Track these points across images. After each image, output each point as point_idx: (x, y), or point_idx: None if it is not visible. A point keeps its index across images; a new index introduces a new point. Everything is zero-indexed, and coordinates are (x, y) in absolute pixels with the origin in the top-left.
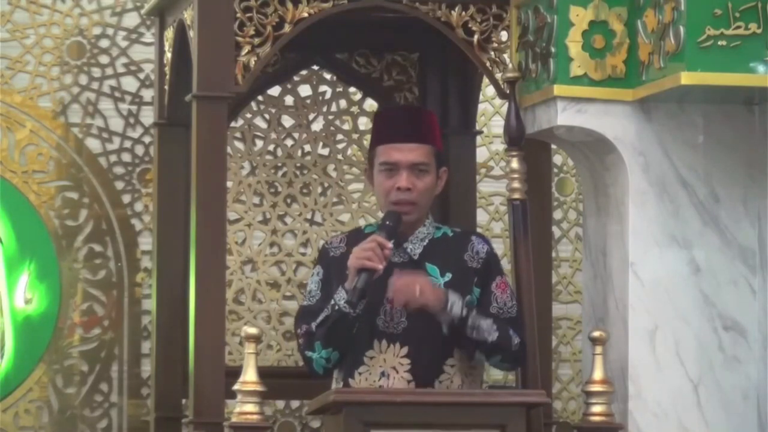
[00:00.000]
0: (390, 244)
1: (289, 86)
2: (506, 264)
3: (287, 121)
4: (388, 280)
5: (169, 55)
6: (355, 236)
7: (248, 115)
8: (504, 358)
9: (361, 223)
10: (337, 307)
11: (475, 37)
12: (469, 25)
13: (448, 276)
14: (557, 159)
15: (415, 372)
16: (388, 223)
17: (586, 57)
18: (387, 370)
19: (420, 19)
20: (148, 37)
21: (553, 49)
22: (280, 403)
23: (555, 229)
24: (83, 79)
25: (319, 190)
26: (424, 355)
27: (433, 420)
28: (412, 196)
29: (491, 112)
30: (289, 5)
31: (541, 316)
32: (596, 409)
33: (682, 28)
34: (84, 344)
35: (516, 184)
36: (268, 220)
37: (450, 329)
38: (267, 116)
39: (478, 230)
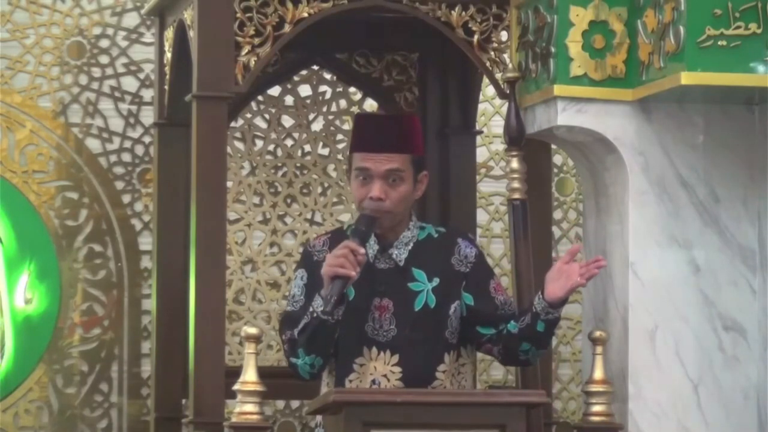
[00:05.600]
0: (363, 250)
1: (289, 86)
2: (506, 264)
3: (287, 121)
4: (375, 286)
5: (169, 55)
6: (338, 236)
7: (248, 115)
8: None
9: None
10: (315, 314)
11: (475, 37)
12: (469, 25)
13: (436, 281)
14: (557, 159)
15: (406, 380)
16: (362, 228)
17: (586, 57)
18: (378, 378)
19: (420, 19)
20: (148, 37)
21: (553, 49)
22: (280, 403)
23: (555, 229)
24: (83, 79)
25: (319, 190)
26: (415, 363)
27: (433, 420)
28: (386, 206)
29: (491, 112)
30: (289, 5)
31: None
32: (596, 409)
33: (682, 28)
34: (84, 344)
35: (516, 184)
36: (268, 220)
37: (549, 324)
38: (267, 116)
39: (478, 230)
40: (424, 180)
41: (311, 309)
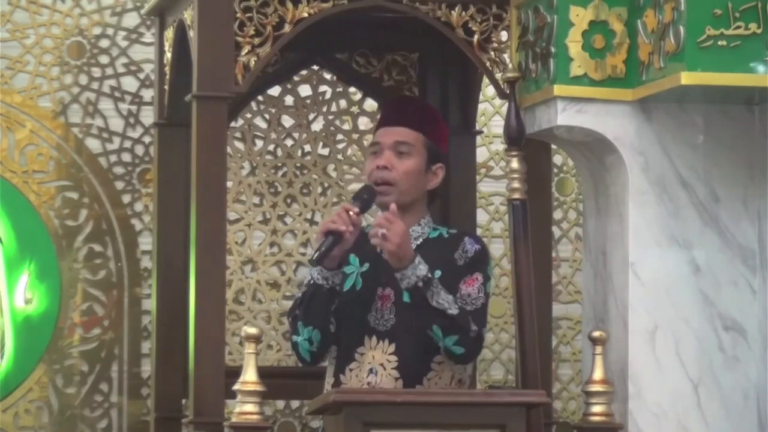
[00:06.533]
0: (356, 209)
1: (289, 86)
2: (506, 264)
3: (287, 121)
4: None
5: (169, 55)
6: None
7: (248, 115)
8: (461, 341)
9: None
10: (312, 281)
11: (475, 37)
12: (469, 25)
13: (438, 273)
14: (557, 159)
15: (402, 369)
16: (364, 195)
17: (586, 57)
18: (375, 366)
19: (420, 19)
20: (148, 37)
21: (553, 49)
22: (280, 403)
23: (555, 229)
24: (83, 79)
25: (319, 190)
26: (410, 353)
27: (433, 420)
28: (390, 176)
29: (491, 112)
30: (289, 5)
31: (541, 316)
32: (596, 409)
33: (682, 28)
34: (84, 344)
35: (516, 184)
36: (268, 220)
37: (412, 293)
38: (267, 116)
39: (478, 230)
40: (439, 173)
41: (309, 278)
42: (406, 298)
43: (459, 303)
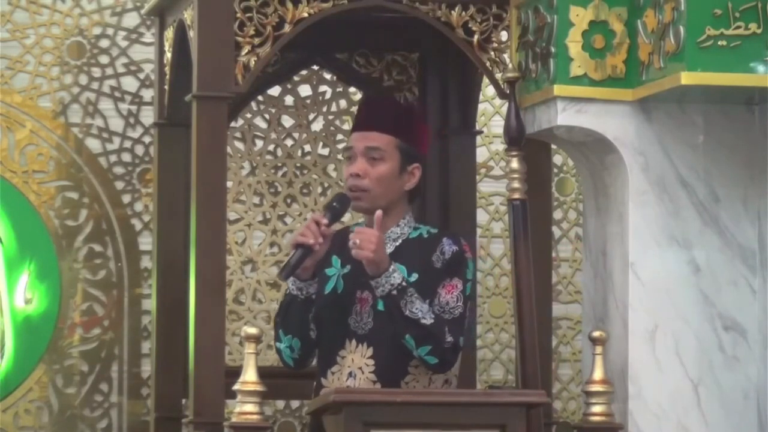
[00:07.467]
0: (325, 220)
1: (289, 86)
2: (506, 264)
3: (287, 121)
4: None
5: (169, 55)
6: (341, 235)
7: (248, 115)
8: (433, 351)
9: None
10: (288, 292)
11: (475, 37)
12: (469, 25)
13: (415, 276)
14: (557, 159)
15: (379, 373)
16: (334, 204)
17: (586, 57)
18: (354, 370)
19: (420, 19)
20: (148, 37)
21: (553, 49)
22: (280, 403)
23: (555, 229)
24: (83, 79)
25: (319, 190)
26: (387, 357)
27: (433, 420)
28: (364, 183)
29: (491, 112)
30: (289, 5)
31: (541, 316)
32: (596, 409)
33: (682, 28)
34: (84, 344)
35: (516, 184)
36: (268, 220)
37: (386, 301)
38: (267, 116)
39: (478, 230)
40: (415, 173)
41: (287, 289)
42: (380, 306)
43: (436, 310)
